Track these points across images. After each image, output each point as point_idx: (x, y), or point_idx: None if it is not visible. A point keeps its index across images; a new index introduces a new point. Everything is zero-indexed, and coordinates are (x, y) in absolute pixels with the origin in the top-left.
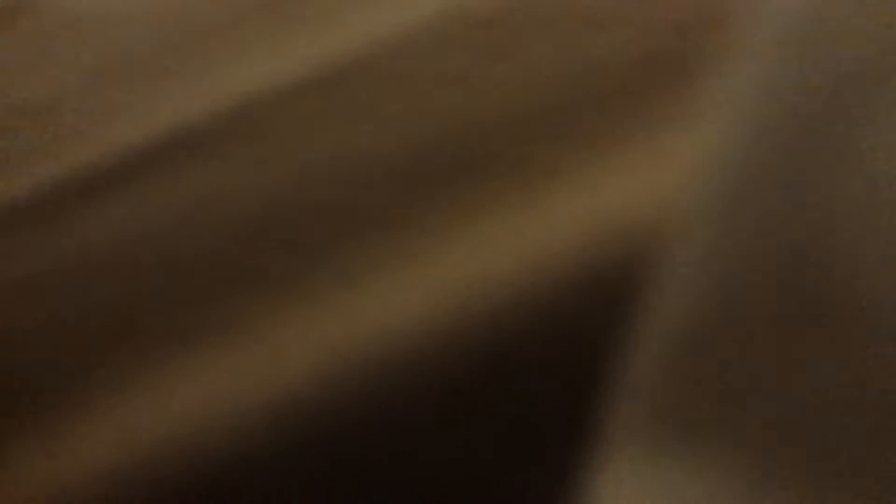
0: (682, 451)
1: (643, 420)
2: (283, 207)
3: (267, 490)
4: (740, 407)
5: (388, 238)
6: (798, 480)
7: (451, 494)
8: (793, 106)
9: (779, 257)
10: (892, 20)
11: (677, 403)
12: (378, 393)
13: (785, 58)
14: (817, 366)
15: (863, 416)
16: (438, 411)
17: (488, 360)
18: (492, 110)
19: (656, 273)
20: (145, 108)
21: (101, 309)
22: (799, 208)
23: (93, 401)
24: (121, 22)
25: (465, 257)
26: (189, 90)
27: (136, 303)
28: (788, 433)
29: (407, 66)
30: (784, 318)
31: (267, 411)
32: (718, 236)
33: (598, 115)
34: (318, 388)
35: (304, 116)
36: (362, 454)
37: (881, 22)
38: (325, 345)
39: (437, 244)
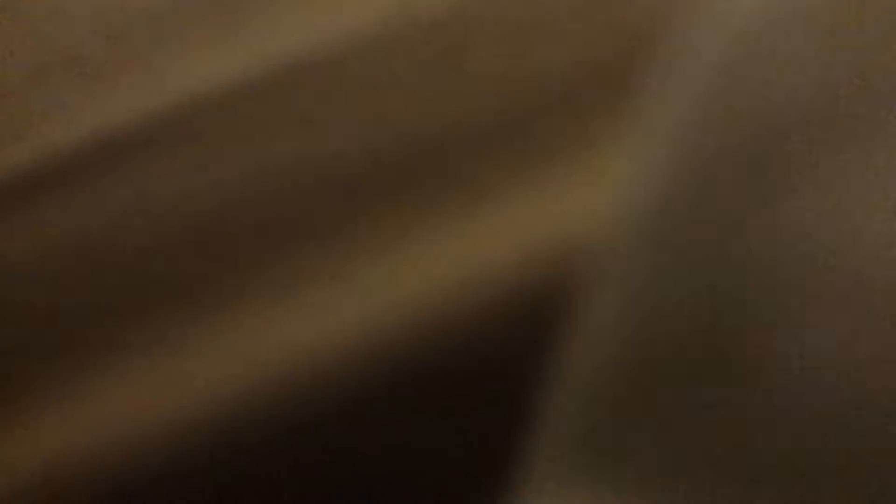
0: (604, 476)
1: (569, 443)
2: (216, 217)
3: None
4: (651, 436)
5: (321, 251)
6: None
7: None
8: (720, 133)
9: (695, 297)
10: (829, 56)
11: (599, 428)
12: (302, 408)
13: (718, 85)
14: (725, 405)
15: (759, 454)
16: (359, 429)
17: (414, 378)
18: (429, 121)
19: (585, 292)
20: (79, 109)
21: (27, 319)
22: (719, 243)
23: (29, 410)
24: (62, 19)
25: (395, 273)
26: (124, 92)
27: (62, 313)
28: (695, 463)
29: (347, 72)
30: (695, 351)
31: (190, 424)
32: (642, 263)
33: (536, 130)
34: (245, 400)
35: (240, 121)
36: (285, 469)
37: (819, 60)
38: (255, 359)
39: (370, 259)
